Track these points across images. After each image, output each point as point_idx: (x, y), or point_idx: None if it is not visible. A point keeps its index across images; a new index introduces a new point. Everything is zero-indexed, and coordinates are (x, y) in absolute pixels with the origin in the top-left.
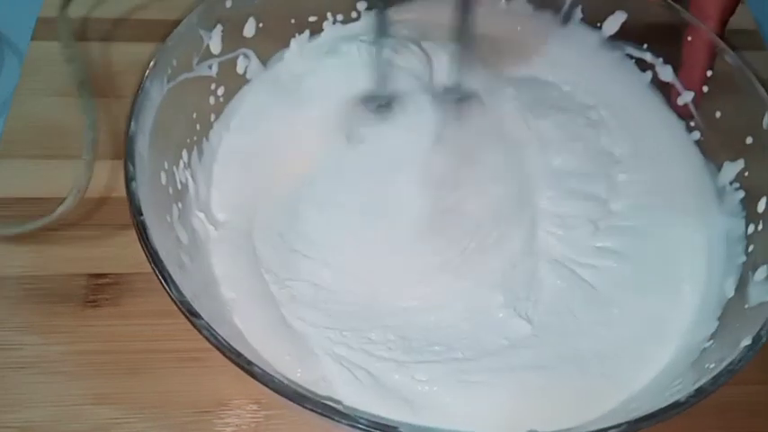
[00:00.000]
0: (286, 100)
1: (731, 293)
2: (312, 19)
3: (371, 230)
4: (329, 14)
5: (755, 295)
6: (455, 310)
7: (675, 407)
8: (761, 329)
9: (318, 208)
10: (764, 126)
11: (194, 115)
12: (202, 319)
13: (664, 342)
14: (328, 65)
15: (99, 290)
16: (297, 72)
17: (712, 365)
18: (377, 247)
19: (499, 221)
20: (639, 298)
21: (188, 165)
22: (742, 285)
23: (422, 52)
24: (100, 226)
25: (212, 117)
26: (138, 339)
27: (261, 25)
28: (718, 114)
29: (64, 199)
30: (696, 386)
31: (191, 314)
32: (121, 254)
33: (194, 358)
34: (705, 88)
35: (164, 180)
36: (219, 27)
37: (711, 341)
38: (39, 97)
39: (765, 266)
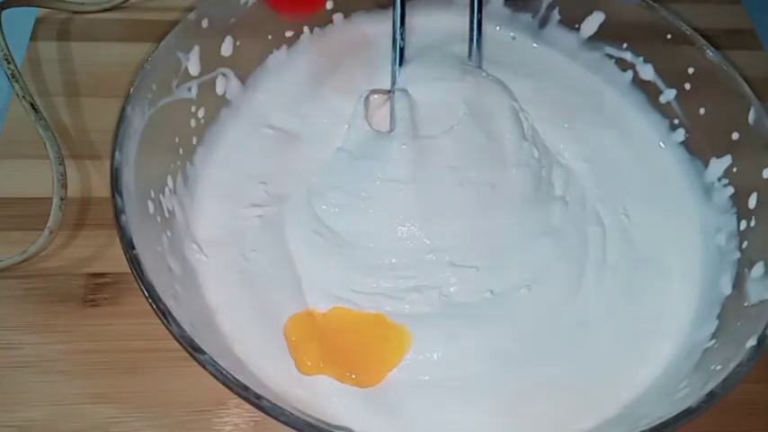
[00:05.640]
0: (267, 132)
1: (728, 291)
2: (289, 34)
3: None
4: (306, 28)
5: (755, 293)
6: None
7: (688, 413)
8: (766, 328)
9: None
10: (751, 122)
11: (176, 140)
12: (206, 354)
13: (661, 340)
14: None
15: (98, 289)
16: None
17: (718, 367)
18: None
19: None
20: (632, 297)
21: (174, 191)
22: (739, 282)
23: None
24: (99, 225)
25: (194, 140)
26: (137, 338)
27: (238, 43)
28: (702, 111)
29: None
30: (706, 390)
31: (193, 349)
32: (120, 253)
33: None
34: (687, 85)
35: (151, 209)
36: (197, 48)
37: (713, 341)
38: (38, 97)
39: (762, 263)
